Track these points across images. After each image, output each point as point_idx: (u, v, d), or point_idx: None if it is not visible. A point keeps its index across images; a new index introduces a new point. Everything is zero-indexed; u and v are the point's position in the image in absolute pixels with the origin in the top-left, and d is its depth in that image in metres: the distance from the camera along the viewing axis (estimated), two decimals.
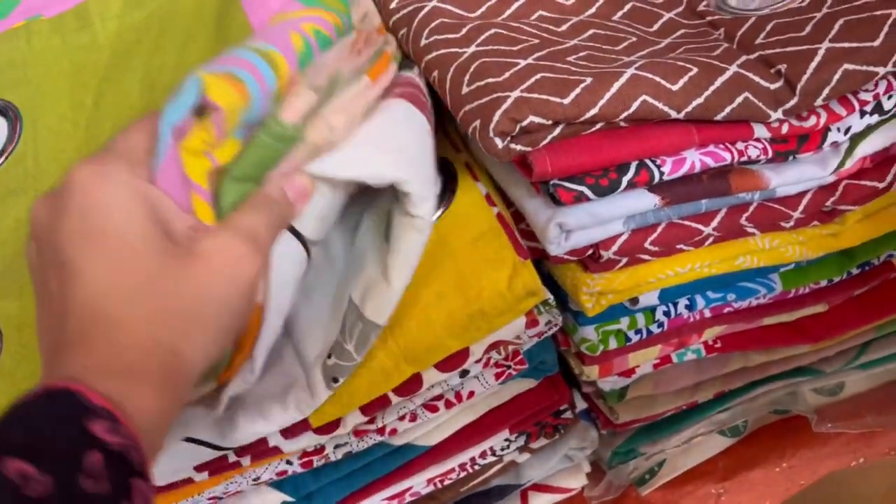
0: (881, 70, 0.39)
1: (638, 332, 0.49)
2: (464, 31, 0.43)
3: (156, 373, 0.28)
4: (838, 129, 0.42)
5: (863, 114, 0.42)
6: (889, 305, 0.55)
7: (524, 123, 0.37)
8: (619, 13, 0.46)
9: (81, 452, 0.24)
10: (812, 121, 0.41)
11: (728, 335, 0.53)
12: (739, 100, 0.39)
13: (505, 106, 0.37)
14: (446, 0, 0.46)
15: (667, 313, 0.49)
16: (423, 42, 0.44)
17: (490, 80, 0.39)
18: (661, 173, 0.40)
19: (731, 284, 0.49)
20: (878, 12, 0.40)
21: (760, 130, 0.41)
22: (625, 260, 0.44)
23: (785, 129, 0.41)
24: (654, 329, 0.49)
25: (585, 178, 0.39)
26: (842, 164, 0.44)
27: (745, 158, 0.41)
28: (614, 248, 0.42)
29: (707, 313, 0.50)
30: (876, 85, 0.41)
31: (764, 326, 0.53)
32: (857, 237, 0.48)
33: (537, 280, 0.43)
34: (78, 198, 0.29)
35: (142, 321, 0.28)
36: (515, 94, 0.38)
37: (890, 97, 0.42)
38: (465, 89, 0.40)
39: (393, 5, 0.47)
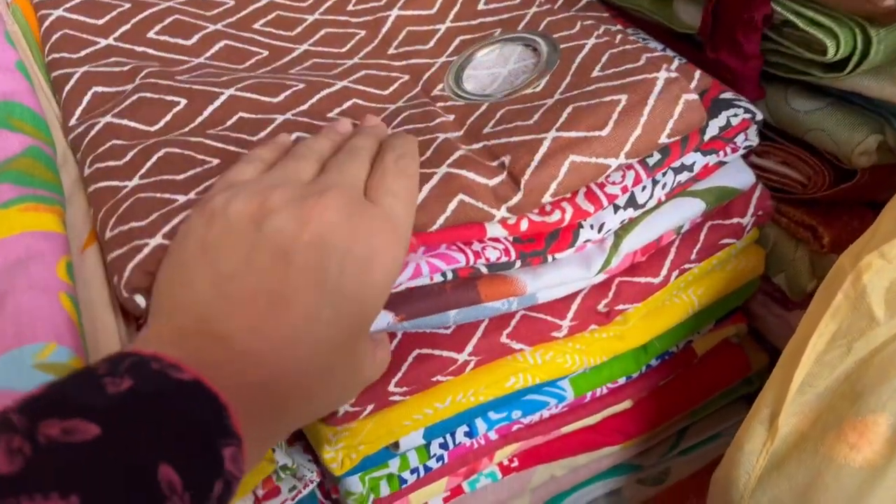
0: (612, 162, 0.35)
1: (414, 471, 0.42)
2: (129, 155, 0.35)
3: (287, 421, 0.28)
4: (591, 227, 0.37)
5: (616, 209, 0.37)
6: (697, 392, 0.51)
7: None
8: (337, 109, 0.40)
9: (214, 479, 0.23)
10: (556, 216, 0.35)
11: (525, 451, 0.46)
12: (453, 205, 0.33)
13: (139, 258, 0.30)
14: (125, 113, 0.37)
15: (444, 445, 0.42)
16: (87, 171, 0.35)
17: (134, 224, 0.31)
18: None
19: (514, 400, 0.43)
20: (608, 98, 0.35)
21: (495, 229, 0.35)
22: (370, 406, 0.36)
23: (524, 225, 0.35)
24: (434, 464, 0.42)
25: None
26: (607, 262, 0.38)
27: (483, 261, 0.35)
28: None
29: (493, 436, 0.44)
30: (623, 177, 0.36)
31: (565, 435, 0.47)
32: (643, 335, 0.43)
33: None
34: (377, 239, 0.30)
35: (317, 381, 0.29)
36: (155, 241, 0.30)
37: (643, 188, 0.37)
38: (108, 234, 0.32)
39: (72, 122, 0.38)
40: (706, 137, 0.37)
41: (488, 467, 0.45)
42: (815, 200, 0.46)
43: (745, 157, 0.45)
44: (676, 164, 0.37)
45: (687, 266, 0.42)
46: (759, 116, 0.39)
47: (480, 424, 0.42)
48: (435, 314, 0.36)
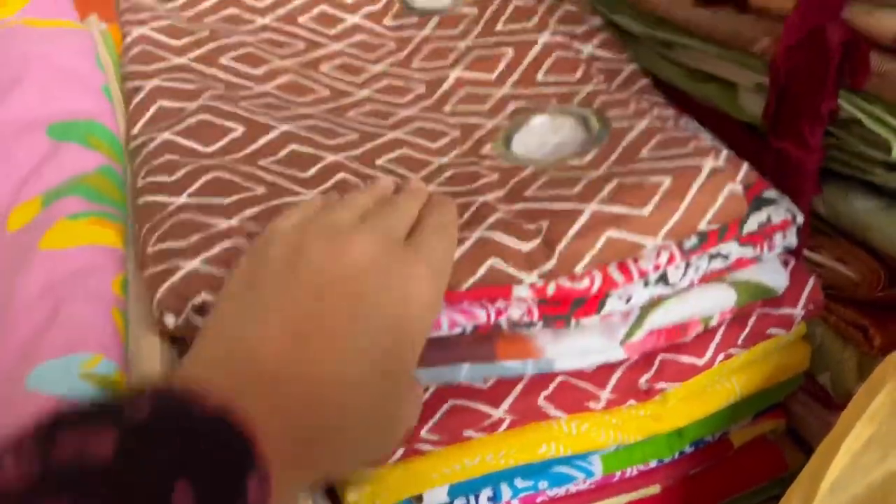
0: (649, 242, 0.35)
1: None
2: (180, 173, 0.37)
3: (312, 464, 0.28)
4: (619, 297, 0.37)
5: (646, 283, 0.37)
6: (730, 484, 0.49)
7: (196, 301, 0.31)
8: (386, 156, 0.41)
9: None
10: (585, 283, 0.35)
11: None
12: (484, 269, 0.34)
13: (173, 280, 0.31)
14: (185, 132, 0.39)
15: None
16: (139, 182, 0.37)
17: (173, 243, 0.32)
18: None
19: (542, 470, 0.42)
20: (652, 178, 0.36)
21: (522, 291, 0.35)
22: (400, 451, 0.36)
23: (552, 290, 0.35)
24: None
25: None
26: (630, 334, 0.38)
27: (506, 318, 0.35)
28: None
29: None
30: (658, 255, 0.36)
31: None
32: (681, 418, 0.42)
33: None
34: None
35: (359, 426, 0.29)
36: (191, 265, 0.31)
37: (676, 269, 0.37)
38: (149, 250, 0.33)
39: (134, 131, 0.40)
40: (745, 231, 0.38)
41: None
42: (868, 301, 0.45)
43: (797, 253, 0.45)
44: (713, 251, 0.37)
45: (732, 351, 0.41)
46: (801, 219, 0.39)
47: (506, 490, 0.41)
48: (447, 365, 0.36)
